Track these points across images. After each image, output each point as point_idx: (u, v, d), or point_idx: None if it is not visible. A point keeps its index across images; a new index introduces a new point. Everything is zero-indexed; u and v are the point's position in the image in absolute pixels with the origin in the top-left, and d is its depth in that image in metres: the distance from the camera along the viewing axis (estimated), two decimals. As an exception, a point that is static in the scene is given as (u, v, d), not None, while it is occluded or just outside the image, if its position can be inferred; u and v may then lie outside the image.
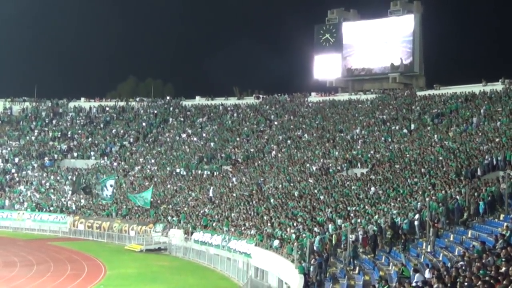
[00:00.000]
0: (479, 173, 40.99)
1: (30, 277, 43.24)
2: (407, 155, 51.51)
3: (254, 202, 52.66)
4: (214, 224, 51.33)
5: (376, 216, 38.45)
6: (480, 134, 50.73)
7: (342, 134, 66.14)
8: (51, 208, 68.67)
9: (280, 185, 55.00)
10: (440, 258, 29.50)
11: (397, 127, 62.57)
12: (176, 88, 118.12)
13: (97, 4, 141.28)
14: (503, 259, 20.89)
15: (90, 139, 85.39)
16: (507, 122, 51.15)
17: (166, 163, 73.31)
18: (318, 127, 71.02)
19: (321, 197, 47.55)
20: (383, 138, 60.58)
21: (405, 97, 72.34)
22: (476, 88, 65.77)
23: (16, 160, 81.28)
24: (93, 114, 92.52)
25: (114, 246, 58.48)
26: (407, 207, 38.19)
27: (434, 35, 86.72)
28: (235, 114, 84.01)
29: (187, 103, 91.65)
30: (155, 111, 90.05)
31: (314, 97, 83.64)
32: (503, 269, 19.35)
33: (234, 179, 62.98)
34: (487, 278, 18.44)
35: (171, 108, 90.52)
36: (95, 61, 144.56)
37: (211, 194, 59.17)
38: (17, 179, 77.67)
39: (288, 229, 41.88)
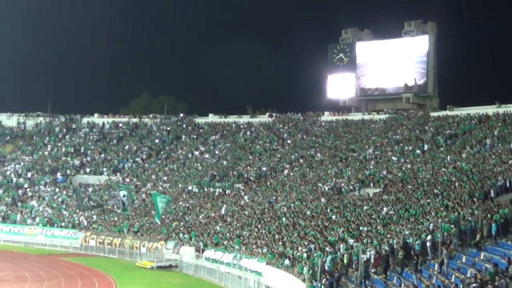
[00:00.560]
0: (492, 194, 40.95)
1: (41, 292, 43.41)
2: (420, 176, 51.46)
3: (265, 220, 52.70)
4: (225, 242, 51.36)
5: (388, 236, 38.42)
6: (493, 155, 50.68)
7: (354, 154, 66.13)
8: (63, 224, 68.95)
9: (292, 204, 54.99)
10: (452, 280, 29.46)
11: (410, 148, 62.52)
12: (189, 105, 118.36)
13: (112, 20, 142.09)
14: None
15: (102, 155, 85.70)
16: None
17: (178, 180, 73.46)
18: (330, 146, 71.05)
19: (333, 217, 47.54)
20: (396, 159, 60.54)
21: (419, 118, 72.31)
22: (490, 110, 65.67)
23: (29, 175, 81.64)
24: (106, 130, 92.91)
25: (125, 263, 58.57)
26: (420, 227, 38.14)
27: (448, 56, 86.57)
28: (248, 132, 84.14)
29: (200, 120, 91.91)
30: (168, 128, 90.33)
31: (327, 116, 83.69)
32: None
33: (246, 197, 63.05)
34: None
35: (184, 125, 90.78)
36: (109, 77, 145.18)
37: (223, 212, 59.23)
38: (30, 194, 77.99)
39: (299, 248, 41.89)
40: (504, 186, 41.75)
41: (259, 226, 51.73)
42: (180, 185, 71.82)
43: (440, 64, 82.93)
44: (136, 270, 54.49)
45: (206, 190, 69.33)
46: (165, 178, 75.45)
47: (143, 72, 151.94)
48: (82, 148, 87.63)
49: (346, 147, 69.02)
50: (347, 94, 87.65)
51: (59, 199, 75.47)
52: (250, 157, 75.53)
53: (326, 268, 35.87)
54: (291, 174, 66.13)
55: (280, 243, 45.37)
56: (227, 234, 53.11)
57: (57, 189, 78.13)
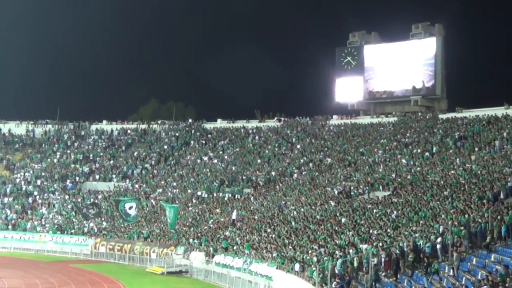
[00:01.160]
0: (502, 196, 40.90)
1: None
2: (429, 178, 51.44)
3: (275, 225, 52.74)
4: (235, 247, 51.41)
5: (398, 239, 38.42)
6: (502, 157, 50.59)
7: (363, 157, 66.11)
8: (73, 231, 69.15)
9: (302, 208, 55.03)
10: (463, 282, 29.45)
11: (419, 150, 62.48)
12: (197, 111, 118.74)
13: (120, 26, 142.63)
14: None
15: (111, 161, 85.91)
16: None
17: (188, 186, 73.56)
18: (339, 150, 71.04)
19: (343, 220, 47.56)
20: (405, 161, 60.51)
21: (427, 120, 72.27)
22: (499, 111, 65.63)
23: (38, 182, 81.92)
24: (115, 136, 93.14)
25: (135, 269, 58.69)
26: (430, 230, 38.12)
27: (456, 58, 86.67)
28: (256, 137, 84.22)
29: (209, 125, 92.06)
30: (177, 134, 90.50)
31: (335, 120, 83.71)
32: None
33: (255, 202, 63.11)
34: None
35: (193, 131, 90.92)
36: (117, 84, 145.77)
37: (234, 217, 59.31)
38: (39, 201, 78.23)
39: (309, 252, 41.92)
40: (514, 187, 41.68)
41: (269, 230, 51.75)
42: (189, 191, 71.91)
43: (448, 66, 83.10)
44: (147, 276, 54.58)
45: (215, 195, 69.42)
46: (174, 184, 75.56)
47: (151, 79, 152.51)
48: (91, 155, 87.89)
49: (355, 150, 69.01)
50: (355, 98, 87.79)
51: (69, 206, 75.63)
52: (259, 161, 75.56)
53: (336, 271, 35.88)
54: (300, 178, 66.15)
55: (290, 247, 45.38)
56: (237, 239, 53.17)
57: (66, 196, 78.34)
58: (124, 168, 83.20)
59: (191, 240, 57.56)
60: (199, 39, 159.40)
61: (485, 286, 25.81)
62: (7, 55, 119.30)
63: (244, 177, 71.39)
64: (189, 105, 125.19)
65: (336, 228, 46.04)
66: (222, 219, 60.99)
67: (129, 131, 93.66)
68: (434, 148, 61.55)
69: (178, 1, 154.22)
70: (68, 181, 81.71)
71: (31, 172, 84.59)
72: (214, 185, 71.43)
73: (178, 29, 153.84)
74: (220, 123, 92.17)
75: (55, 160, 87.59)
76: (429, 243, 35.49)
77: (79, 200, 75.56)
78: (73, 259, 64.31)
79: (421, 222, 40.87)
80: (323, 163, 68.74)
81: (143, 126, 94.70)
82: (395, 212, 45.39)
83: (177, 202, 69.37)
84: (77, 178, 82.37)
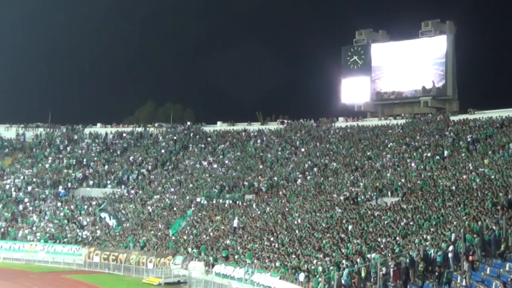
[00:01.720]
0: (516, 202, 40.86)
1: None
2: (440, 184, 51.46)
3: (278, 233, 52.73)
4: (236, 257, 51.39)
5: (408, 248, 38.39)
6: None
7: (371, 162, 66.13)
8: (65, 239, 69.12)
9: (306, 215, 55.04)
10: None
11: (429, 154, 62.48)
12: (196, 113, 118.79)
13: (114, 25, 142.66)
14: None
15: (106, 166, 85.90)
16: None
17: (186, 192, 73.57)
18: (346, 154, 71.04)
19: (349, 228, 47.55)
20: (414, 166, 60.52)
21: (438, 122, 72.29)
22: (513, 113, 65.75)
23: (29, 188, 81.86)
24: (109, 140, 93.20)
25: (131, 280, 58.59)
26: (441, 238, 38.09)
27: (468, 57, 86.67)
28: (258, 141, 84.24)
29: (208, 128, 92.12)
30: (175, 137, 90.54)
31: (341, 122, 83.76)
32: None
33: (257, 209, 63.12)
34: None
35: (191, 134, 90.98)
36: (111, 85, 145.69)
37: (235, 225, 59.30)
38: (30, 208, 78.20)
39: (314, 262, 41.90)
40: (529, 193, 41.67)
41: (272, 238, 51.76)
42: (188, 197, 71.92)
43: (459, 65, 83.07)
44: (143, 287, 54.56)
45: (215, 202, 69.41)
46: (172, 190, 75.55)
47: (148, 79, 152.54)
48: (85, 160, 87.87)
49: (362, 154, 69.03)
50: (362, 99, 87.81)
51: (61, 214, 75.63)
52: (261, 166, 75.58)
53: (343, 282, 35.91)
54: (305, 183, 66.16)
55: (294, 256, 45.39)
56: (238, 247, 53.15)
57: (59, 203, 78.31)
58: (120, 173, 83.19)
59: (190, 249, 57.54)
60: (198, 38, 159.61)
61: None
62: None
63: (245, 183, 71.40)
64: (187, 107, 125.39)
65: (343, 236, 46.04)
66: (222, 227, 60.99)
67: (124, 135, 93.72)
68: (445, 152, 61.56)
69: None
70: (61, 187, 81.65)
71: (22, 178, 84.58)
72: (214, 191, 71.42)
73: (175, 27, 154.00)
74: (220, 126, 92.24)
75: (47, 165, 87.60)
76: (441, 251, 35.47)
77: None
78: (66, 270, 64.20)
79: (431, 229, 40.84)
80: (329, 167, 68.75)
81: (139, 129, 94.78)
82: (404, 219, 45.36)
83: (174, 209, 69.44)
84: (69, 184, 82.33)
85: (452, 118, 72.87)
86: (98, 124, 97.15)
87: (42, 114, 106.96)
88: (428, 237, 39.08)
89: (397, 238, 41.75)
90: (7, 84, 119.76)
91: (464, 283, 31.85)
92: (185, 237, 61.02)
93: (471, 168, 53.66)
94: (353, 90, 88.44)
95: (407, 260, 35.94)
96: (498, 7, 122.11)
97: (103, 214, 64.74)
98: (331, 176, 65.72)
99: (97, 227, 70.42)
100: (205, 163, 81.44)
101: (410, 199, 50.37)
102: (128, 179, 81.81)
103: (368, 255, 39.71)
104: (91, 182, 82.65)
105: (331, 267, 39.24)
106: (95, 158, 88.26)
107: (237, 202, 67.72)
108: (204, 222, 63.99)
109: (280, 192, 65.71)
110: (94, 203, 77.03)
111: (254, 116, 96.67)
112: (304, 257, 44.11)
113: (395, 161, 63.92)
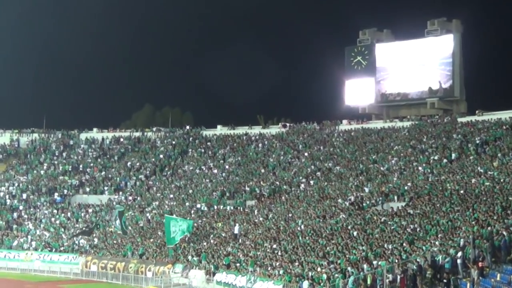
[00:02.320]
0: (527, 206, 40.87)
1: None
2: (448, 188, 51.43)
3: (281, 239, 52.72)
4: (238, 264, 51.38)
5: (415, 254, 38.37)
6: (527, 163, 50.60)
7: (376, 165, 66.11)
8: (62, 248, 69.11)
9: (310, 221, 55.02)
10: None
11: (436, 157, 62.46)
12: (195, 117, 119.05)
13: (110, 27, 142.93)
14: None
15: (103, 172, 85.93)
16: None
17: (186, 198, 73.56)
18: (350, 157, 71.02)
19: (355, 234, 47.54)
20: (421, 169, 60.49)
21: (445, 124, 72.27)
22: (523, 114, 65.79)
23: (24, 196, 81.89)
24: (106, 145, 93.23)
25: (129, 289, 58.71)
26: (449, 244, 38.08)
27: (476, 56, 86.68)
28: (260, 145, 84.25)
29: (208, 132, 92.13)
30: (173, 142, 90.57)
31: (345, 125, 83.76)
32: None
33: (259, 215, 63.10)
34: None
35: (191, 139, 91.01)
36: (108, 89, 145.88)
37: (236, 232, 59.29)
38: (25, 216, 78.23)
39: (318, 269, 41.89)
40: (540, 196, 41.67)
41: (274, 245, 51.75)
42: (187, 204, 71.91)
43: (467, 65, 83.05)
44: (142, 297, 54.60)
45: (216, 208, 69.41)
46: (171, 196, 75.56)
47: (145, 82, 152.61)
48: (81, 166, 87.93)
49: (367, 158, 69.02)
50: (366, 101, 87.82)
51: (57, 222, 75.66)
52: (263, 171, 75.59)
53: (348, 290, 35.88)
54: (308, 188, 66.16)
55: (298, 263, 45.38)
56: (240, 255, 53.14)
57: (55, 211, 78.34)
58: (117, 179, 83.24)
59: (190, 257, 57.55)
60: (197, 39, 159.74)
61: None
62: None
63: (247, 188, 71.42)
64: (186, 110, 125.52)
65: (348, 242, 46.01)
66: (223, 234, 60.96)
67: (121, 140, 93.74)
68: (453, 155, 61.53)
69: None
70: (56, 194, 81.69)
71: (16, 185, 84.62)
72: (214, 197, 71.44)
73: (174, 28, 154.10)
74: (220, 130, 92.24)
75: (42, 172, 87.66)
76: (449, 258, 35.48)
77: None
78: (62, 279, 64.23)
79: (439, 235, 40.84)
80: (333, 172, 68.76)
81: (137, 134, 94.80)
82: (411, 224, 45.33)
83: (174, 215, 69.33)
84: (65, 191, 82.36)
85: (459, 119, 72.84)
86: (95, 129, 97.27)
87: (36, 119, 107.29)
88: (436, 243, 39.09)
89: (404, 244, 41.71)
90: (0, 89, 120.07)
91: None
92: (184, 245, 61.01)
93: (480, 171, 53.64)
94: (357, 92, 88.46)
95: (415, 267, 35.94)
96: (506, 5, 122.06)
97: (115, 216, 64.99)
98: (335, 180, 65.69)
99: (94, 235, 70.39)
100: (205, 168, 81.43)
101: (417, 204, 50.33)
102: (126, 185, 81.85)
103: (374, 262, 39.71)
104: (87, 189, 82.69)
105: (336, 275, 39.24)
106: (92, 164, 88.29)
107: (238, 208, 67.71)
108: (205, 229, 63.96)
109: (283, 197, 65.71)
110: (90, 210, 77.08)
111: (255, 120, 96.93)
112: (308, 264, 44.11)
113: (401, 165, 63.88)
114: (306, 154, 77.13)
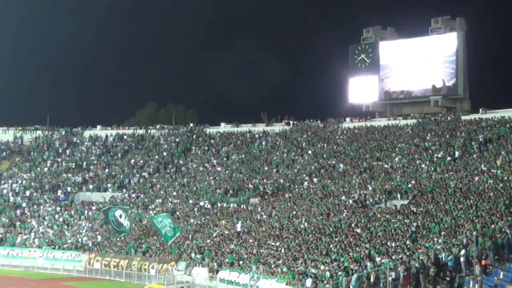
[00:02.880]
0: (531, 204, 40.85)
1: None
2: (452, 185, 51.41)
3: (284, 237, 52.73)
4: (241, 262, 51.39)
5: (419, 252, 38.37)
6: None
7: (380, 163, 66.09)
8: (65, 245, 69.17)
9: (313, 219, 55.03)
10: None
11: (440, 155, 62.45)
12: (199, 115, 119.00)
13: (114, 25, 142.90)
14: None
15: (106, 170, 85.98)
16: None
17: (189, 196, 73.59)
18: (353, 155, 71.00)
19: (358, 232, 47.56)
20: (424, 167, 60.49)
21: (449, 122, 72.22)
22: (527, 112, 65.72)
23: (27, 193, 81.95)
24: (110, 143, 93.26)
25: (133, 286, 58.63)
26: (452, 242, 38.08)
27: (480, 54, 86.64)
28: (263, 142, 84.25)
29: (211, 130, 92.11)
30: (177, 139, 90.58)
31: (349, 123, 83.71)
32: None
33: (262, 212, 63.12)
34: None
35: (194, 136, 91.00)
36: (111, 86, 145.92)
37: (239, 229, 59.32)
38: (28, 214, 78.30)
39: (322, 267, 41.91)
40: (544, 194, 41.64)
41: (278, 243, 51.78)
42: (191, 201, 71.95)
43: (470, 63, 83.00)
44: (145, 294, 54.60)
45: (219, 205, 69.45)
46: (174, 193, 75.59)
47: (149, 80, 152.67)
48: (84, 163, 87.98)
49: (371, 156, 69.00)
50: (370, 98, 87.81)
51: (61, 219, 75.72)
52: (266, 168, 75.60)
53: (351, 287, 35.85)
54: (311, 186, 66.17)
55: (301, 261, 45.39)
56: (243, 253, 53.15)
57: (58, 208, 78.39)
58: (120, 177, 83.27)
59: (193, 255, 57.55)
60: (201, 36, 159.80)
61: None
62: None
63: (250, 186, 71.43)
64: (190, 108, 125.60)
65: (351, 240, 46.03)
66: (226, 232, 61.00)
67: (125, 137, 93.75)
68: (457, 153, 61.52)
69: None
70: (60, 191, 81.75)
71: (20, 182, 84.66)
72: (217, 195, 71.48)
73: (177, 26, 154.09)
74: (224, 127, 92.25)
75: (45, 169, 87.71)
76: (452, 255, 35.46)
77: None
78: (66, 277, 64.26)
79: (443, 233, 40.86)
80: (336, 169, 68.74)
81: (141, 132, 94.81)
82: (414, 222, 45.32)
83: (177, 213, 69.46)
84: (69, 189, 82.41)
85: (463, 117, 72.78)
86: (98, 126, 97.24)
87: (40, 116, 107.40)
88: (439, 241, 39.09)
89: (407, 242, 41.72)
90: (4, 86, 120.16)
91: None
92: (188, 242, 61.05)
93: (483, 169, 53.61)
94: (361, 90, 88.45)
95: (418, 265, 35.92)
96: (509, 3, 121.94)
97: (119, 211, 65.10)
98: (338, 178, 65.69)
99: (97, 232, 70.47)
100: (208, 166, 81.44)
101: (420, 202, 50.33)
102: (129, 182, 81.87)
103: (377, 260, 39.72)
104: (91, 186, 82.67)
105: (339, 272, 39.26)
106: (95, 162, 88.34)
107: (242, 205, 67.74)
108: (208, 227, 63.99)
109: (286, 195, 65.75)
110: (94, 207, 77.13)
111: (258, 117, 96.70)
112: (311, 262, 44.11)
113: (404, 163, 63.87)
114: (309, 151, 77.14)
